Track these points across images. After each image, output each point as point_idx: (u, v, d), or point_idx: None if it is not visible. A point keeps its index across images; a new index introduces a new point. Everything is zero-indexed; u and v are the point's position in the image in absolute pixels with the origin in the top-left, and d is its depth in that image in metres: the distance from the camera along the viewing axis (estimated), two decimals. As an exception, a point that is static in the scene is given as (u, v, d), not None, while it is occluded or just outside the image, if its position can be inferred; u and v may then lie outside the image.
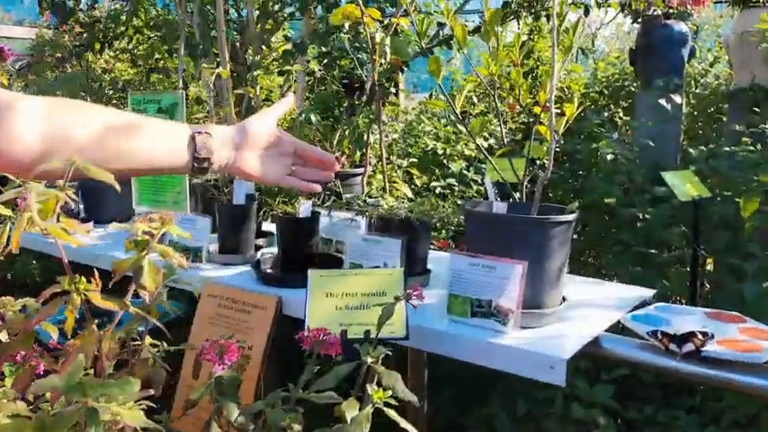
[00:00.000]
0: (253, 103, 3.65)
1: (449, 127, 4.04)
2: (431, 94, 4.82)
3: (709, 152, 3.24)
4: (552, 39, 1.64)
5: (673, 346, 1.23)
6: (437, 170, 3.64)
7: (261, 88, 3.90)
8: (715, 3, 5.15)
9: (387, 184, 1.96)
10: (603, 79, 5.27)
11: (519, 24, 3.95)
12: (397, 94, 5.25)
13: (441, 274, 1.89)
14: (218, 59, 3.50)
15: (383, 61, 2.03)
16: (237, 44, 3.73)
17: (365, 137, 2.14)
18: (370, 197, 2.04)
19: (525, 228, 1.47)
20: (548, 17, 3.60)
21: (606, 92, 5.27)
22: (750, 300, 2.44)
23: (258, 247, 2.11)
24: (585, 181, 3.70)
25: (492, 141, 3.79)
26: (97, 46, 4.61)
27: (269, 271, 1.89)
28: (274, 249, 2.10)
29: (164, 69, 4.90)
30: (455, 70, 5.87)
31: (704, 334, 1.23)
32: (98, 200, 2.57)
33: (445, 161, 3.63)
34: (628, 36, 7.45)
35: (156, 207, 2.20)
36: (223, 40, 3.44)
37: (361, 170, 2.26)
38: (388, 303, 1.14)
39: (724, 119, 4.52)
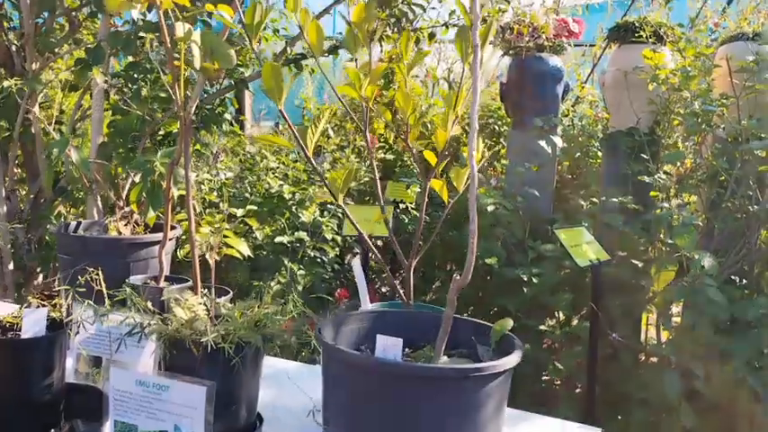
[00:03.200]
0: (32, 130, 2.69)
1: (299, 164, 3.33)
2: (277, 124, 4.09)
3: (599, 205, 2.83)
4: (471, 64, 1.00)
5: None
6: (283, 219, 2.90)
7: (45, 107, 2.95)
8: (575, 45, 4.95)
9: (197, 279, 1.19)
10: (465, 115, 4.87)
11: (381, 46, 3.38)
12: (239, 121, 4.46)
13: (285, 416, 1.16)
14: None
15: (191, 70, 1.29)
16: (14, 48, 2.76)
17: (165, 188, 1.37)
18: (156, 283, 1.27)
19: (432, 391, 0.78)
20: (416, 41, 3.04)
21: (468, 129, 4.87)
22: (673, 396, 1.96)
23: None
24: (457, 232, 3.18)
25: (353, 184, 3.14)
26: None
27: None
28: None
29: None
30: (306, 98, 5.20)
31: None
32: None
33: (294, 208, 2.91)
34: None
35: None
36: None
37: (158, 236, 1.48)
38: None
39: (591, 161, 4.26)
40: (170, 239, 1.47)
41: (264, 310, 1.09)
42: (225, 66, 1.17)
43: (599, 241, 2.52)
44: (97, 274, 1.11)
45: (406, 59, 1.15)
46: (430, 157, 1.28)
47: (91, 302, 1.08)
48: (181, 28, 1.17)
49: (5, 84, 2.01)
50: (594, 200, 2.93)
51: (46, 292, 1.32)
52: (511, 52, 3.54)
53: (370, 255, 3.63)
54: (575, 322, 2.89)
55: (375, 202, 3.61)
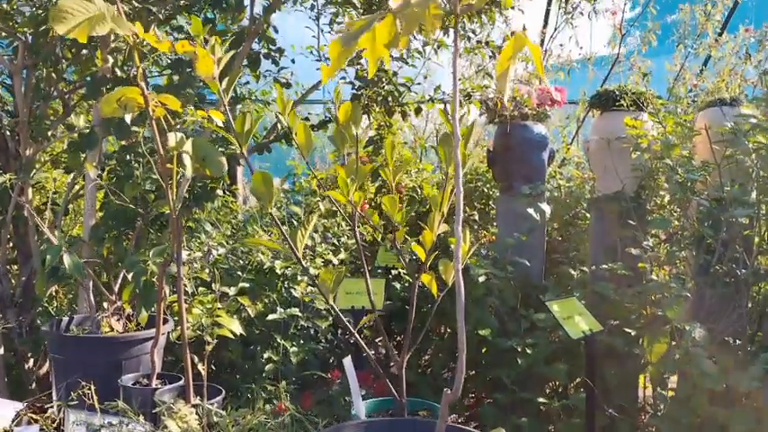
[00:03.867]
0: (24, 213, 2.72)
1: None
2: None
3: (589, 274, 2.85)
4: (450, 156, 1.04)
5: None
6: (275, 294, 2.90)
7: (38, 187, 2.99)
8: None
9: (189, 384, 1.19)
10: (455, 178, 4.92)
11: (369, 119, 3.45)
12: (231, 190, 4.50)
13: None
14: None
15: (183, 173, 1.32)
16: (8, 132, 2.81)
17: (157, 287, 1.38)
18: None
19: None
20: (403, 114, 3.12)
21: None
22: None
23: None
24: (449, 302, 3.16)
25: (343, 255, 3.17)
26: None
27: None
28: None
29: None
30: (296, 164, 5.27)
31: None
32: None
33: (287, 283, 2.91)
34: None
35: None
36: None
37: (150, 333, 1.48)
38: None
39: (580, 222, 4.30)
40: (162, 334, 1.47)
41: (257, 418, 1.08)
42: (216, 174, 1.20)
43: (590, 309, 2.53)
44: (90, 388, 1.11)
45: (392, 165, 1.19)
46: (419, 251, 1.30)
47: (83, 418, 1.07)
48: (173, 138, 1.21)
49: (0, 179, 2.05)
50: (585, 269, 2.95)
51: (38, 401, 1.31)
52: (496, 120, 3.63)
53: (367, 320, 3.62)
54: (571, 391, 2.88)
55: (369, 269, 3.64)
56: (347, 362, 1.21)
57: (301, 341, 2.86)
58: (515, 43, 0.99)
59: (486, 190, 4.77)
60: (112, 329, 1.61)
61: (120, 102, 1.28)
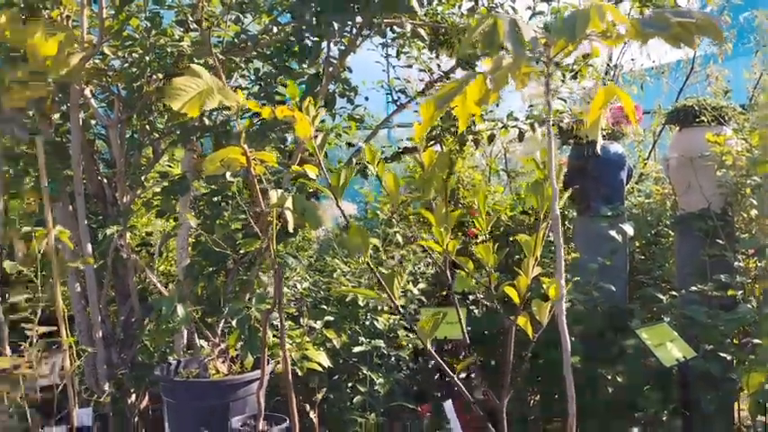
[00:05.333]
0: (123, 255, 2.89)
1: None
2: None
3: (678, 297, 2.77)
4: (543, 202, 1.07)
5: None
6: (357, 326, 2.96)
7: (133, 232, 3.17)
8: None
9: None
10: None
11: (442, 148, 3.50)
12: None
13: None
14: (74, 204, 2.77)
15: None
16: (105, 180, 3.00)
17: (261, 332, 1.46)
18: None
19: None
20: (476, 142, 3.15)
21: (531, 211, 4.87)
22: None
23: None
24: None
25: (423, 285, 3.20)
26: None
27: None
28: None
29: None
30: (367, 192, 5.36)
31: None
32: None
33: (369, 315, 2.96)
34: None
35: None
36: (79, 178, 2.72)
37: (255, 375, 1.56)
38: None
39: (663, 240, 4.18)
40: (266, 375, 1.54)
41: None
42: (315, 227, 1.26)
43: (680, 333, 2.46)
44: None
45: (483, 214, 1.22)
46: (512, 293, 1.32)
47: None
48: (275, 195, 1.28)
49: (108, 231, 2.21)
50: (672, 291, 2.87)
51: None
52: (570, 141, 3.59)
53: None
54: (665, 416, 2.79)
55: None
56: (449, 407, 1.24)
57: (385, 370, 2.90)
58: (606, 93, 1.01)
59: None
60: (218, 372, 1.71)
61: (224, 162, 1.37)
